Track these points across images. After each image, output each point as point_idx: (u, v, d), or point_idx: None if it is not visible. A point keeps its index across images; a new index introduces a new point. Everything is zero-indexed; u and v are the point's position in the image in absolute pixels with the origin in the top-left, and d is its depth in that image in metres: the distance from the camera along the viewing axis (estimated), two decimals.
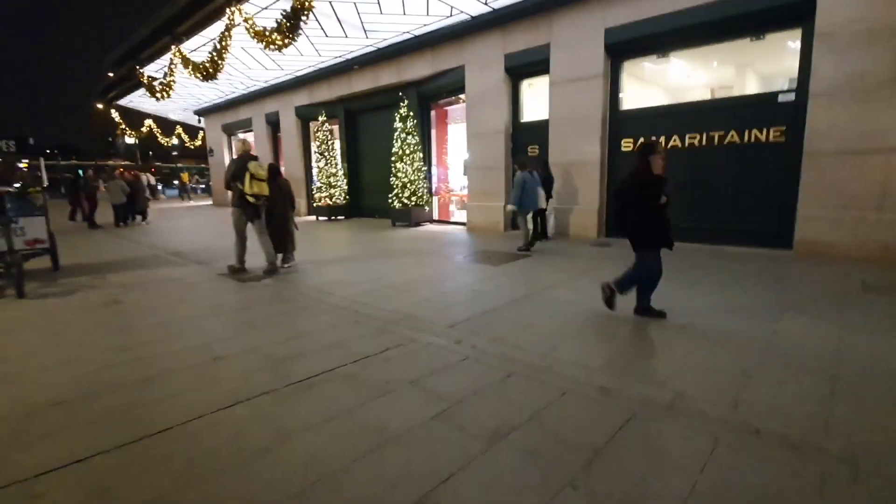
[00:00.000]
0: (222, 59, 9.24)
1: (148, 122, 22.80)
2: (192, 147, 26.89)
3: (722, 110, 7.45)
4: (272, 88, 15.74)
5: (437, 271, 6.42)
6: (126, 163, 44.18)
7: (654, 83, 8.69)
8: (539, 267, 6.44)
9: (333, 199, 14.16)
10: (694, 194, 7.81)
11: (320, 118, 14.02)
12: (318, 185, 14.21)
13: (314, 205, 14.60)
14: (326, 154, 14.04)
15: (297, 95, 15.29)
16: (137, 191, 13.51)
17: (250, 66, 13.34)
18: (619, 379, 2.90)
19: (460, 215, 12.63)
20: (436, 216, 12.48)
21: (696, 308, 4.34)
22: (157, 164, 55.53)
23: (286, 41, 7.73)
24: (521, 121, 9.95)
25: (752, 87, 8.11)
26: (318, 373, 3.09)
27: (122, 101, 19.10)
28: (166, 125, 24.54)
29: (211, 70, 9.41)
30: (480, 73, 10.00)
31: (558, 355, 3.31)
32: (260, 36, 7.69)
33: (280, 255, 6.64)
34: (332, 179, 14.07)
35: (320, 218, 14.44)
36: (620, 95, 8.47)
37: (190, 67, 9.82)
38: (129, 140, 30.29)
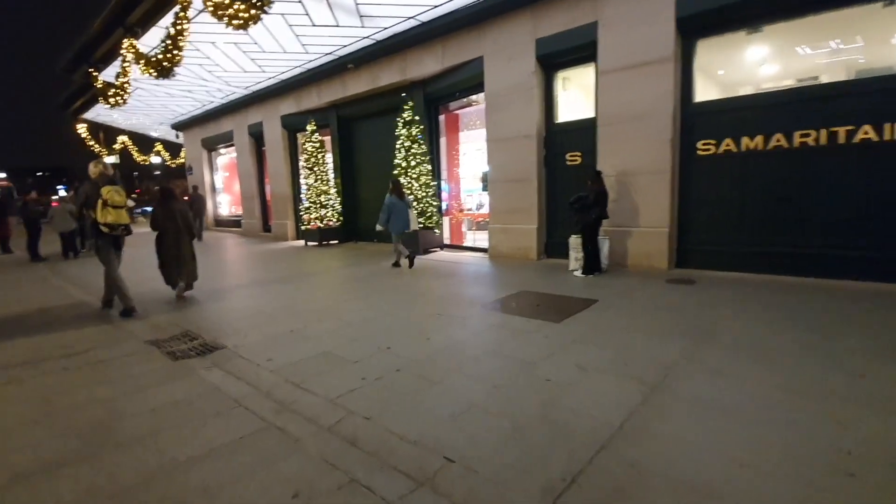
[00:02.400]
0: (178, 47, 7.25)
1: (122, 138, 20.82)
2: (174, 165, 24.87)
3: (850, 98, 5.48)
4: (255, 96, 13.80)
5: (470, 333, 4.31)
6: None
7: (742, 66, 6.72)
8: (622, 322, 4.35)
9: (325, 221, 12.09)
10: (801, 210, 5.81)
11: (309, 127, 12.05)
12: (307, 204, 12.16)
13: (302, 228, 12.52)
14: (316, 169, 12.03)
15: (282, 103, 13.35)
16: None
17: (227, 69, 11.40)
18: None
19: (474, 239, 10.57)
20: (447, 240, 10.42)
21: None
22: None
23: (253, 13, 5.76)
24: (556, 122, 7.97)
25: (885, 65, 6.10)
26: None
27: (89, 115, 17.10)
28: (144, 142, 22.59)
29: (166, 64, 7.42)
30: (504, 65, 8.07)
31: None
32: (219, 8, 5.71)
33: (182, 284, 6.24)
34: (322, 198, 12.04)
35: (309, 243, 12.36)
36: (695, 84, 6.52)
37: (142, 62, 7.82)
38: (109, 159, 28.30)
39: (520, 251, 8.26)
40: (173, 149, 24.52)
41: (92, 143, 18.78)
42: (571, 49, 7.33)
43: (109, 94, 9.55)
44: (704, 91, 6.65)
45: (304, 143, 12.28)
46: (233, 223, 18.06)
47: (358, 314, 5.06)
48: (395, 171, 9.64)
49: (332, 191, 12.26)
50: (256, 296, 6.42)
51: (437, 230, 9.85)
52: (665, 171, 6.53)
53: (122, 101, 9.61)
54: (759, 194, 6.14)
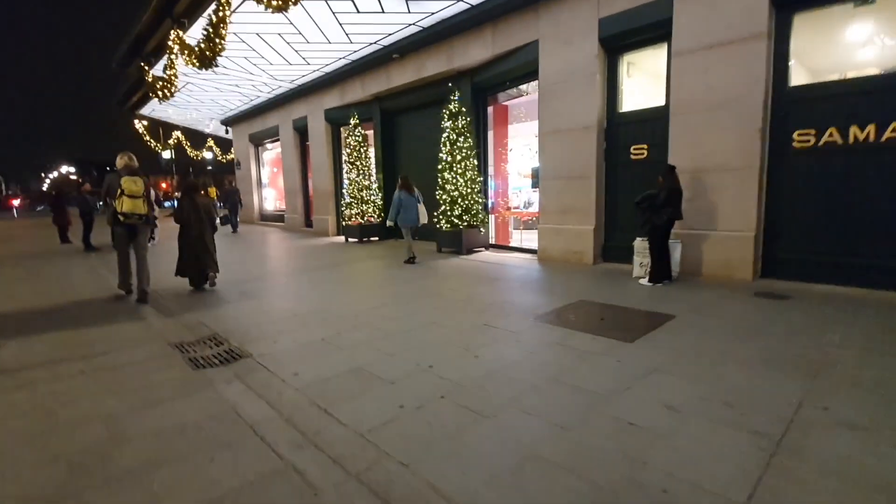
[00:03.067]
0: (220, 36, 7.03)
1: (176, 133, 21.49)
2: (224, 161, 25.55)
3: None
4: (300, 90, 13.68)
5: (525, 351, 3.69)
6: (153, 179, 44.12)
7: (849, 45, 5.67)
8: (710, 347, 3.60)
9: (366, 217, 11.76)
10: None
11: (352, 121, 11.75)
12: (348, 199, 11.88)
13: (343, 224, 12.25)
14: (358, 163, 11.72)
15: (327, 97, 13.15)
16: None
17: (272, 62, 11.26)
18: None
19: (520, 239, 9.89)
20: (491, 240, 9.78)
21: None
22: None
23: None
24: (620, 111, 7.16)
25: None
26: None
27: (146, 111, 17.66)
28: (197, 137, 23.28)
29: (208, 53, 7.22)
30: (562, 48, 7.34)
31: None
32: None
33: (210, 276, 6.36)
34: (364, 193, 11.71)
35: (350, 239, 12.07)
36: (791, 65, 5.56)
37: (186, 53, 7.68)
38: (166, 154, 29.54)
39: (574, 255, 7.51)
40: (224, 144, 25.17)
41: (148, 138, 19.42)
42: (641, 28, 6.52)
43: (158, 87, 9.56)
44: (801, 74, 5.68)
45: (346, 137, 11.99)
46: (277, 218, 18.19)
47: (396, 322, 4.55)
48: (440, 167, 9.12)
49: (374, 186, 11.91)
50: (290, 296, 6.06)
51: (482, 229, 9.24)
52: (752, 166, 5.62)
53: (169, 94, 9.62)
54: (868, 195, 5.15)
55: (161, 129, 23.54)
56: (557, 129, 7.58)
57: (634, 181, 6.99)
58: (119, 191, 5.24)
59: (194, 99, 15.46)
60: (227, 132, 19.75)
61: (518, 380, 3.11)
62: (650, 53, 6.84)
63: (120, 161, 5.55)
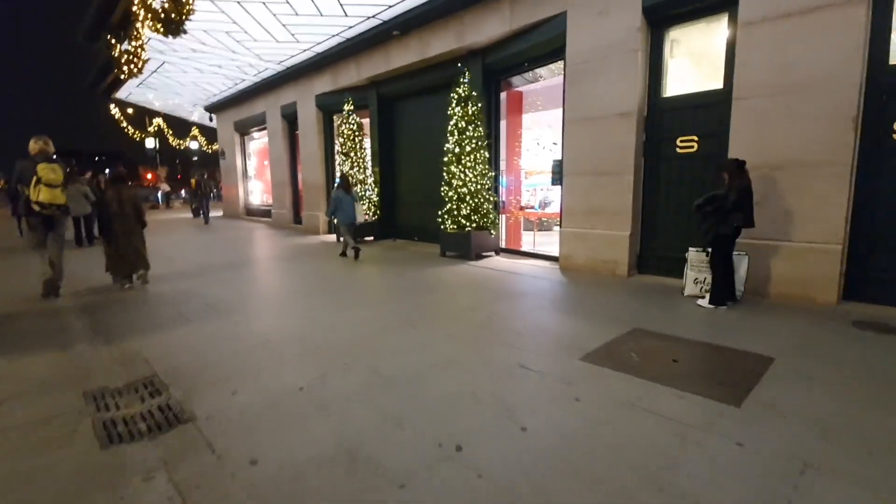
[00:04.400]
0: None
1: (157, 121, 20.11)
2: (210, 151, 24.18)
3: None
4: (288, 73, 12.42)
5: (589, 418, 2.58)
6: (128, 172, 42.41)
7: None
8: (855, 412, 2.51)
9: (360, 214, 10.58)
10: None
11: (345, 107, 10.56)
12: None
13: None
14: (353, 154, 10.55)
15: (318, 80, 11.92)
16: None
17: (256, 38, 10.01)
18: None
19: (534, 242, 8.80)
20: (502, 243, 8.67)
21: None
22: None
23: None
24: (664, 96, 6.06)
25: None
26: None
27: (121, 94, 16.27)
28: (180, 126, 21.88)
29: (174, 16, 6.01)
30: (596, 21, 6.22)
31: None
32: None
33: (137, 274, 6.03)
34: (358, 188, 10.54)
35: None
36: (893, 38, 4.50)
37: (150, 18, 6.45)
38: (149, 143, 28.05)
39: (604, 264, 6.42)
40: (211, 134, 23.79)
41: (126, 124, 18.04)
42: None
43: (123, 62, 8.30)
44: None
45: (340, 126, 10.79)
46: (264, 213, 16.95)
47: (402, 359, 3.42)
48: (446, 159, 7.98)
49: (370, 180, 10.74)
50: (266, 312, 4.90)
51: (492, 231, 8.11)
52: (841, 162, 4.55)
53: (136, 70, 8.37)
54: None
55: (143, 115, 22.16)
56: (587, 117, 6.47)
57: (680, 180, 5.92)
58: (35, 179, 4.69)
59: (173, 81, 14.14)
60: (211, 119, 18.41)
61: (598, 479, 2.00)
62: (703, 27, 5.74)
63: (34, 146, 5.02)
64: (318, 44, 10.28)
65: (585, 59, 6.39)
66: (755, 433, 2.34)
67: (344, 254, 8.63)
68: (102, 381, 3.10)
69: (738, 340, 3.67)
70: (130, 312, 4.88)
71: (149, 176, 47.79)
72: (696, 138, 5.77)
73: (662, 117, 6.04)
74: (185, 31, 6.54)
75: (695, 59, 5.96)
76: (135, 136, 19.21)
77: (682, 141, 5.88)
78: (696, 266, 5.05)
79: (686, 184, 5.87)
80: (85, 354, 3.63)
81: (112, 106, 17.54)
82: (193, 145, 25.58)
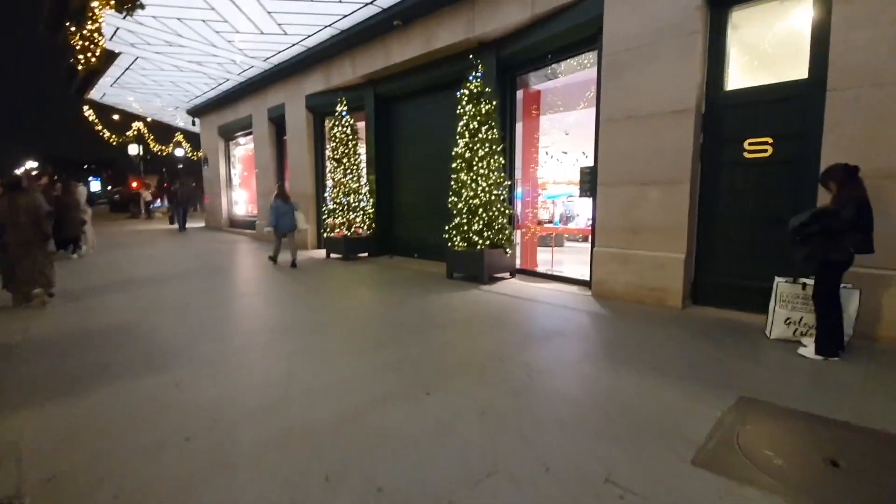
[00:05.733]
0: None
1: (138, 125, 18.85)
2: (196, 158, 22.90)
3: None
4: (276, 71, 11.29)
5: None
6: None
7: None
8: None
9: (353, 228, 9.42)
10: None
11: (338, 108, 9.43)
12: (332, 206, 9.52)
13: (325, 235, 9.87)
14: (346, 161, 9.39)
15: (308, 79, 10.80)
16: (65, 209, 8.96)
17: (239, 29, 8.90)
18: None
19: (552, 261, 7.67)
20: (517, 262, 7.51)
21: None
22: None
23: None
24: (725, 89, 4.98)
25: None
26: None
27: (95, 95, 15.03)
28: (163, 131, 20.63)
29: None
30: (641, 0, 5.17)
31: None
32: None
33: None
34: (351, 198, 9.37)
35: (333, 255, 9.70)
36: None
37: None
38: (132, 150, 26.72)
39: (650, 292, 5.28)
40: (196, 140, 22.57)
41: (100, 127, 16.76)
42: None
43: (79, 49, 7.13)
44: None
45: (331, 128, 9.65)
46: (249, 224, 15.68)
47: (415, 462, 2.22)
48: (454, 165, 6.85)
49: (365, 189, 9.58)
50: (225, 364, 3.66)
51: (508, 249, 6.96)
52: None
53: (93, 57, 7.18)
54: None
55: (128, 121, 20.87)
56: (630, 115, 5.37)
57: (747, 190, 4.83)
58: None
59: (150, 80, 12.96)
60: (193, 124, 17.19)
61: None
62: (777, 5, 4.70)
63: None
64: (309, 36, 9.17)
65: (628, 46, 5.32)
66: None
67: (274, 259, 8.61)
68: None
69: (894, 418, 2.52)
70: (35, 358, 3.64)
71: (133, 185, 46.27)
72: (769, 140, 4.68)
73: (724, 115, 4.96)
74: (142, 7, 5.41)
75: (767, 45, 4.90)
76: (111, 140, 17.92)
77: (750, 143, 4.79)
78: (789, 301, 3.91)
79: (755, 195, 4.78)
80: None
81: (86, 108, 16.23)
82: (179, 152, 24.33)
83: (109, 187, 61.06)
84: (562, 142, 8.14)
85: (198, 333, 4.42)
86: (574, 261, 8.28)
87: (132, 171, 49.35)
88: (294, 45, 9.66)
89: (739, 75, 4.94)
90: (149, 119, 19.42)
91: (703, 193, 5.11)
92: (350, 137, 9.45)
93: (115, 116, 21.67)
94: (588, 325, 4.67)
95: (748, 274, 4.81)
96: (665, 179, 5.13)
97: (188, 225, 16.59)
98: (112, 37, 9.38)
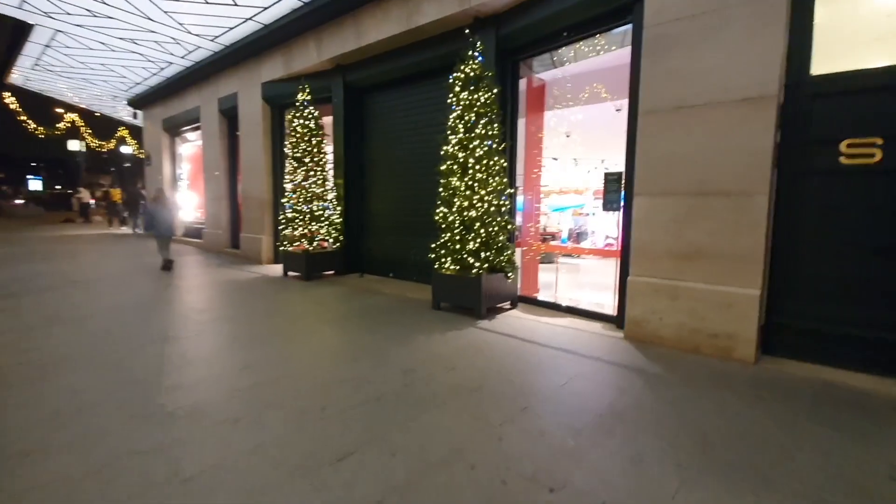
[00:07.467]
0: None
1: (71, 116, 16.57)
2: (142, 156, 20.63)
3: None
4: (227, 54, 9.62)
5: None
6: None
7: None
8: None
9: (316, 242, 7.84)
10: None
11: (300, 96, 7.88)
12: (291, 214, 7.92)
13: (282, 248, 8.24)
14: (308, 161, 7.84)
15: (265, 64, 9.19)
16: None
17: None
18: None
19: (553, 283, 6.35)
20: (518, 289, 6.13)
21: None
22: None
23: None
24: (812, 73, 3.78)
25: None
26: None
27: (18, 80, 12.85)
28: (102, 124, 18.30)
29: None
30: None
31: None
32: None
33: None
34: (315, 205, 7.80)
35: (291, 273, 8.08)
36: None
37: None
38: (74, 146, 24.03)
39: (710, 339, 4.00)
40: (141, 135, 20.29)
41: (25, 118, 14.48)
42: None
43: None
44: None
45: (291, 121, 8.07)
46: (196, 233, 13.76)
47: None
48: (444, 167, 5.45)
49: (331, 196, 8.03)
50: (132, 469, 2.07)
51: (510, 274, 5.57)
52: None
53: None
54: None
55: (65, 111, 18.41)
56: (681, 105, 4.11)
57: (845, 208, 3.62)
58: None
59: (78, 62, 11.01)
60: (135, 116, 15.15)
61: None
62: None
63: None
64: (265, 9, 7.59)
65: (680, 14, 4.07)
66: None
67: (167, 266, 8.41)
68: None
69: None
70: None
71: (111, 191, 42.85)
72: (878, 141, 3.49)
73: (812, 107, 3.75)
74: None
75: (873, 14, 3.73)
76: (36, 132, 15.58)
77: (850, 146, 3.59)
78: None
79: (857, 215, 3.58)
80: None
81: (7, 94, 13.96)
82: (126, 150, 21.94)
83: (59, 186, 56.42)
84: (571, 144, 6.87)
85: (56, 423, 2.79)
86: (575, 283, 7.03)
87: (77, 171, 45.72)
88: (247, 19, 8.05)
89: (833, 55, 3.74)
90: (87, 108, 17.17)
91: (779, 210, 3.88)
92: (314, 132, 7.90)
93: (60, 110, 19.22)
94: (649, 396, 3.29)
95: (845, 319, 3.60)
96: (732, 189, 3.87)
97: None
98: (21, 2, 7.57)
